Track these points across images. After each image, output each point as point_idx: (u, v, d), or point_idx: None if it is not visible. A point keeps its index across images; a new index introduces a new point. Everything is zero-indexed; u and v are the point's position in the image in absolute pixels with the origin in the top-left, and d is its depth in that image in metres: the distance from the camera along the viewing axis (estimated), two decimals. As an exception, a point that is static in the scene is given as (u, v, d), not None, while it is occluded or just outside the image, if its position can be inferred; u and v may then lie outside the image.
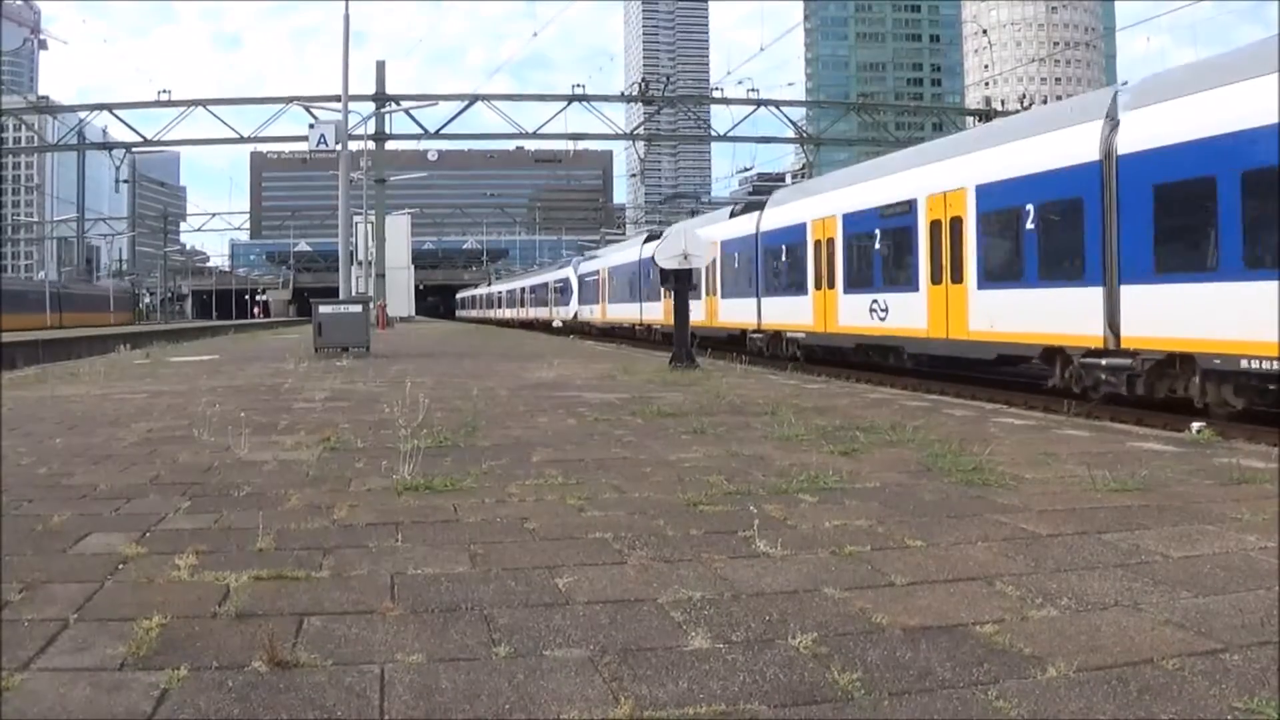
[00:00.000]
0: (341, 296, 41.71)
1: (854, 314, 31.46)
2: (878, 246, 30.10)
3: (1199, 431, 14.48)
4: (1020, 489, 9.89)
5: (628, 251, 65.30)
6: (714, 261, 43.15)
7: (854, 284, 31.71)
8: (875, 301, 30.01)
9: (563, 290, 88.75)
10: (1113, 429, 15.41)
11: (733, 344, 42.23)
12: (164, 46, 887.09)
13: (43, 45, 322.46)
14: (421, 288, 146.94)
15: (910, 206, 27.96)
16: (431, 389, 20.22)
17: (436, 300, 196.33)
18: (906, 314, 28.12)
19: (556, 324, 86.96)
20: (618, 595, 6.41)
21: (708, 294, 45.80)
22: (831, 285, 33.20)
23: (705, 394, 19.61)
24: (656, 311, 52.80)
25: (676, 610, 6.07)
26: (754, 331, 40.43)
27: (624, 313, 63.44)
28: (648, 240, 58.69)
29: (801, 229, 35.84)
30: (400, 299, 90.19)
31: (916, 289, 27.61)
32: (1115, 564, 7.06)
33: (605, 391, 20.57)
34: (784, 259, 37.80)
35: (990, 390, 24.12)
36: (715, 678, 5.00)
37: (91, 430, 14.78)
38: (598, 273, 73.69)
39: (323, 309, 36.35)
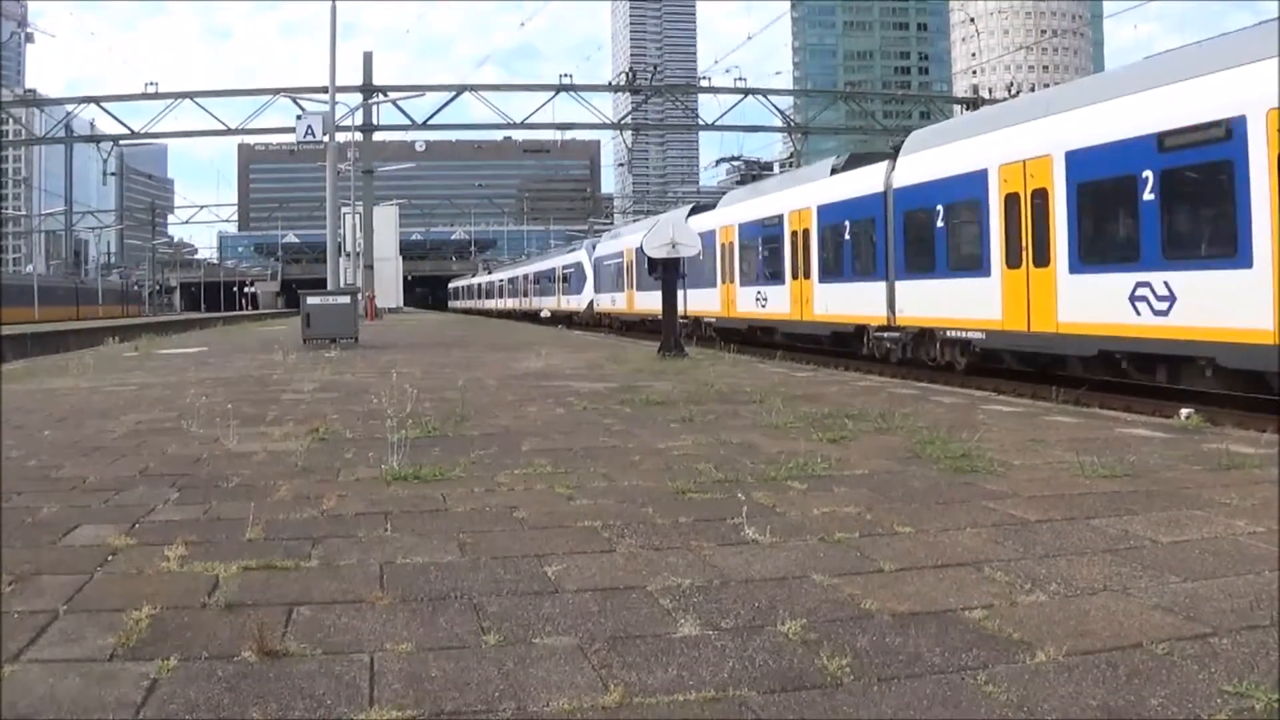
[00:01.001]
0: (330, 287, 41.73)
1: (1098, 304, 20.56)
2: (1151, 196, 19.06)
3: (1188, 417, 14.49)
4: (1009, 475, 9.90)
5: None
6: (804, 234, 33.38)
7: (1098, 257, 20.94)
8: (1144, 285, 19.30)
9: (572, 277, 76.56)
10: (1102, 415, 15.43)
11: (839, 345, 32.11)
12: (153, 40, 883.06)
13: (29, 39, 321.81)
14: (410, 279, 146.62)
15: (1227, 132, 17.48)
16: (420, 379, 20.21)
17: (425, 291, 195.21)
18: (1230, 301, 17.57)
19: (544, 314, 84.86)
20: (607, 583, 6.42)
21: (796, 277, 34.09)
22: (1042, 261, 22.27)
23: (694, 383, 19.62)
24: (711, 301, 42.21)
25: (665, 598, 6.09)
26: (882, 329, 28.70)
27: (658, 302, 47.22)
28: (694, 213, 47.18)
29: (978, 180, 24.25)
30: (388, 290, 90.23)
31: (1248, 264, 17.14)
32: (1104, 549, 7.07)
33: (594, 381, 20.58)
34: (940, 224, 26.07)
35: (979, 378, 23.88)
36: (705, 664, 5.01)
37: (80, 423, 14.78)
38: (622, 254, 59.83)
39: (311, 300, 36.27)
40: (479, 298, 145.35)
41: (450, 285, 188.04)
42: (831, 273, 32.11)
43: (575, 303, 74.19)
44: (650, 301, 48.00)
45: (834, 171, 33.35)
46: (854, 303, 30.31)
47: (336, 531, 7.79)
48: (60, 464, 11.09)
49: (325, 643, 5.33)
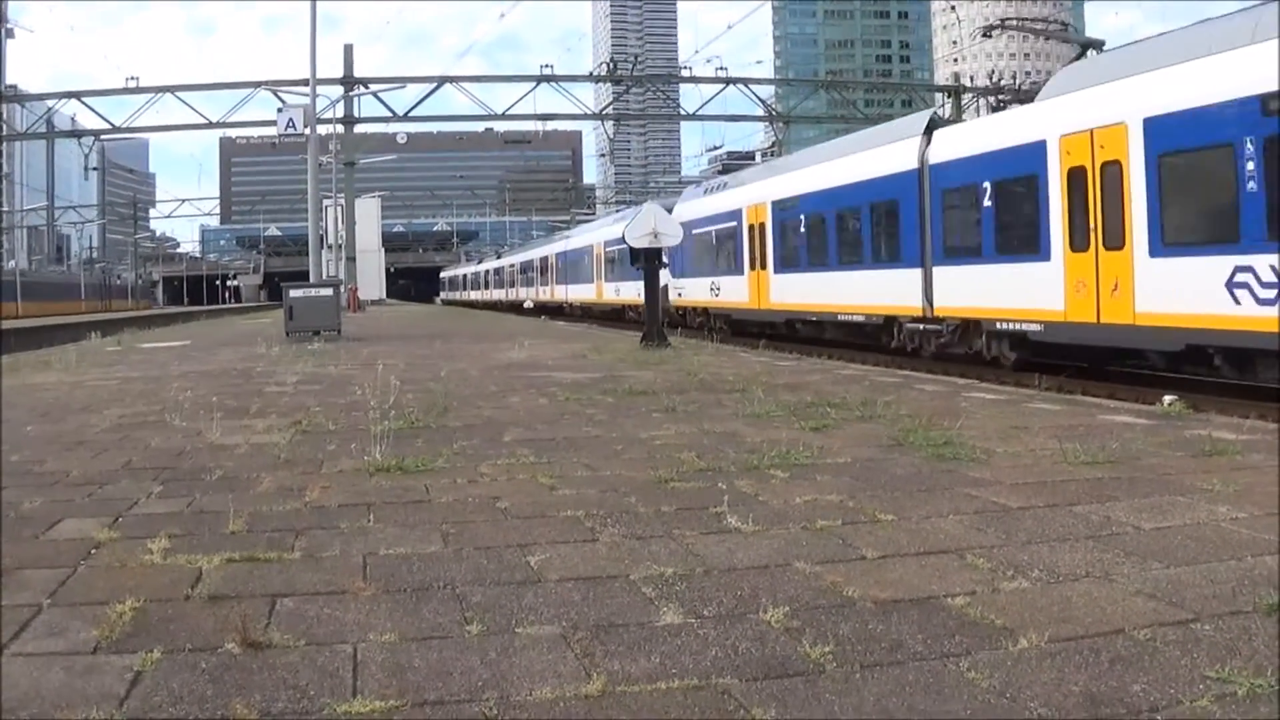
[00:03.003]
0: (312, 280, 41.63)
1: None
2: None
3: (1170, 404, 14.53)
4: (991, 462, 9.93)
5: (862, 162, 29.48)
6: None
7: None
8: None
9: (626, 256, 43.92)
10: (1084, 402, 15.48)
11: None
12: (136, 35, 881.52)
13: (9, 34, 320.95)
14: (392, 270, 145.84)
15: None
16: (403, 371, 20.19)
17: (408, 283, 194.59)
18: None
19: (528, 305, 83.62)
20: (589, 572, 6.44)
21: None
22: None
23: (677, 372, 19.62)
24: (1020, 287, 22.32)
25: (648, 586, 6.10)
26: None
27: (843, 291, 29.82)
28: (935, 127, 26.80)
29: None
30: (371, 282, 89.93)
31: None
32: (1086, 536, 7.09)
33: (577, 371, 20.57)
34: None
35: (962, 366, 23.86)
36: (687, 652, 5.03)
37: (63, 417, 14.74)
38: (739, 214, 38.05)
39: (294, 293, 36.23)
40: (482, 288, 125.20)
41: (442, 275, 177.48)
42: None
43: (632, 292, 48.62)
44: (823, 290, 31.15)
45: None
46: None
47: (319, 523, 7.79)
48: (43, 458, 11.07)
49: (308, 634, 5.34)
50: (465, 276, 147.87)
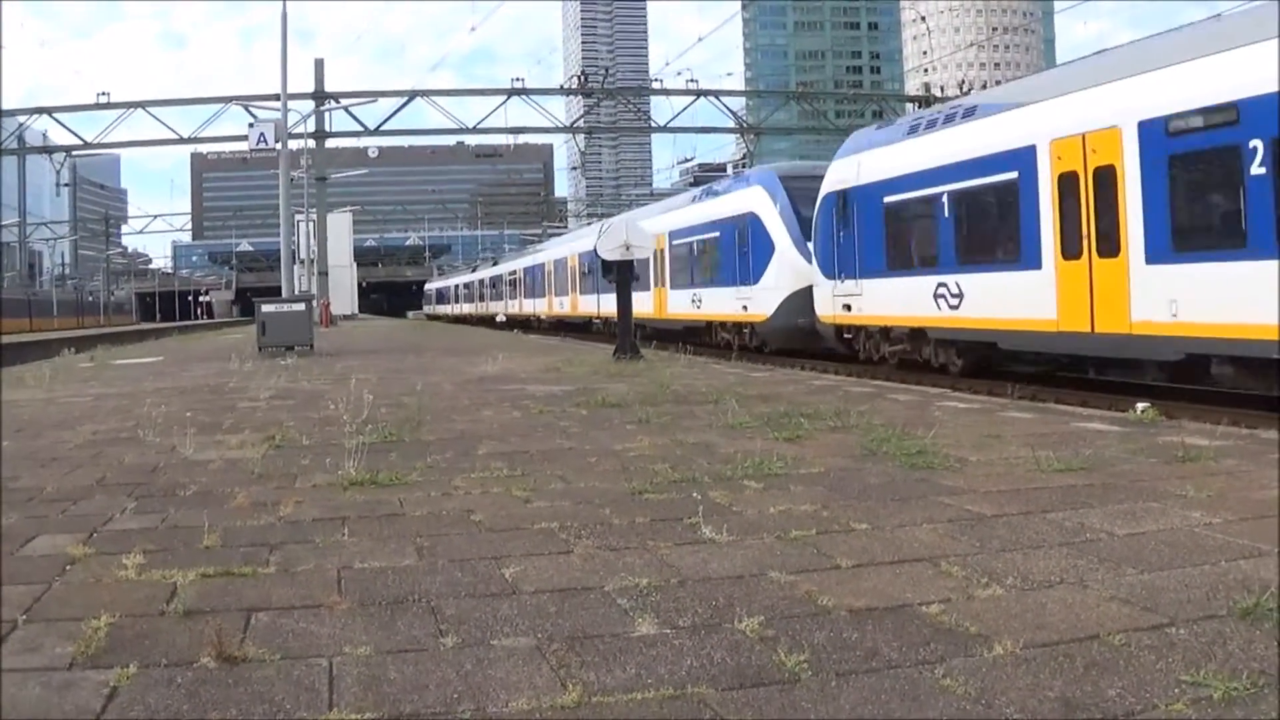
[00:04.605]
0: (284, 295, 41.54)
1: None
2: None
3: (1143, 411, 14.56)
4: (965, 471, 9.94)
5: None
6: None
7: None
8: None
9: (715, 251, 37.67)
10: (1057, 410, 15.52)
11: None
12: (108, 47, 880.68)
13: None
14: (364, 285, 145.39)
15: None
16: (376, 385, 20.09)
17: (380, 298, 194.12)
18: None
19: (500, 319, 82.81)
20: (564, 584, 6.42)
21: None
22: None
23: (650, 384, 19.58)
24: None
25: (623, 597, 6.09)
26: None
27: None
28: None
29: None
30: (343, 297, 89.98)
31: None
32: (1061, 543, 7.11)
33: (550, 384, 20.55)
34: None
35: (934, 376, 23.81)
36: (663, 662, 5.03)
37: (38, 434, 14.68)
38: (1025, 156, 20.60)
39: (266, 308, 36.07)
40: (476, 300, 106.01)
41: (427, 287, 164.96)
42: None
43: (731, 303, 35.92)
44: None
45: None
46: None
47: (294, 537, 7.76)
48: (17, 475, 11.00)
49: (284, 648, 5.32)
50: (456, 288, 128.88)
